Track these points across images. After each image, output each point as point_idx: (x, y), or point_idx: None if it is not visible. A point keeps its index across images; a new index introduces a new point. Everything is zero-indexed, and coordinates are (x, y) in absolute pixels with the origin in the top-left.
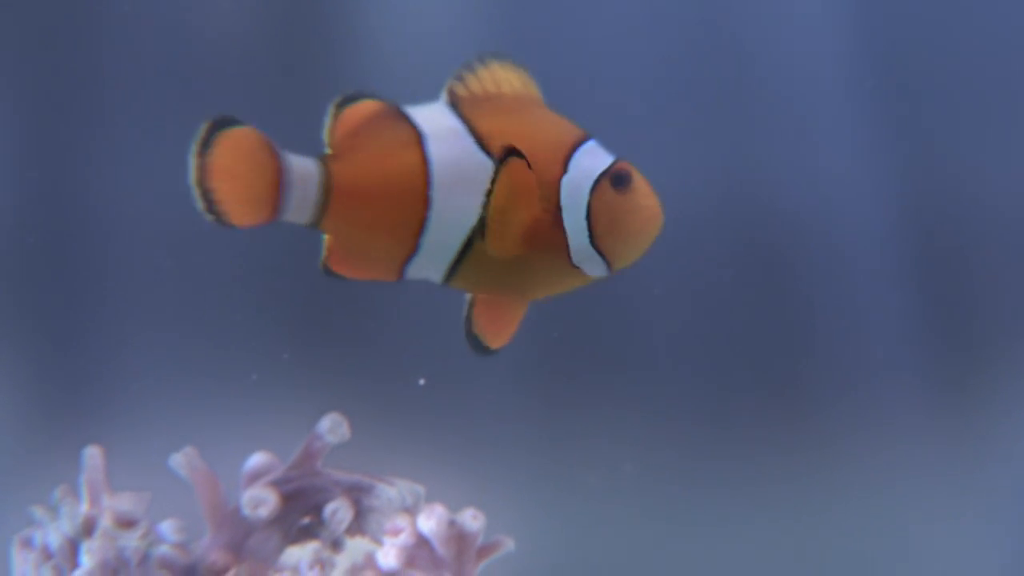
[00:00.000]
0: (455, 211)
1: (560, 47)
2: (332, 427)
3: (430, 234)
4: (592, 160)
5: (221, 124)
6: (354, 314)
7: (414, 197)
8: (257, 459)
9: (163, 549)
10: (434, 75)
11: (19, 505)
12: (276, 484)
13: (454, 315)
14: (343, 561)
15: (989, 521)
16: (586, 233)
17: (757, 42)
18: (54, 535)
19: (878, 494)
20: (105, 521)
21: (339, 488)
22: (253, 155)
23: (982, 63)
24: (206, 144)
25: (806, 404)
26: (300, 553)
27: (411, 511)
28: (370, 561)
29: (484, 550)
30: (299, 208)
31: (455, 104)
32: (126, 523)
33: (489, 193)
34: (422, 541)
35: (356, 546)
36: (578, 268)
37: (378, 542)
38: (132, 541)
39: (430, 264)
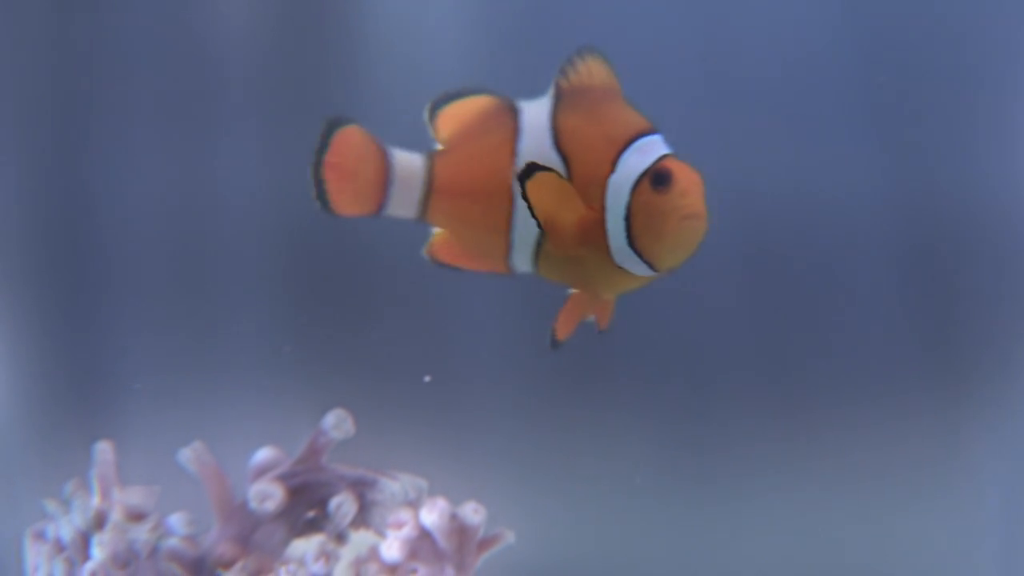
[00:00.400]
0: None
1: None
2: (337, 423)
3: (516, 230)
4: (639, 158)
5: (336, 123)
6: (358, 311)
7: (501, 195)
8: (264, 454)
9: (172, 542)
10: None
11: (32, 498)
12: (282, 478)
13: (455, 313)
14: (347, 553)
15: (977, 513)
16: (624, 233)
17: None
18: (67, 528)
19: (871, 488)
20: (116, 514)
21: (343, 482)
22: (361, 151)
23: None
24: (324, 141)
25: (803, 401)
26: (306, 546)
27: (414, 505)
28: (374, 553)
29: (485, 543)
30: (402, 203)
31: (557, 97)
32: (136, 516)
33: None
34: (424, 534)
35: (360, 539)
36: (622, 268)
37: (382, 535)
38: (142, 534)
39: (521, 258)
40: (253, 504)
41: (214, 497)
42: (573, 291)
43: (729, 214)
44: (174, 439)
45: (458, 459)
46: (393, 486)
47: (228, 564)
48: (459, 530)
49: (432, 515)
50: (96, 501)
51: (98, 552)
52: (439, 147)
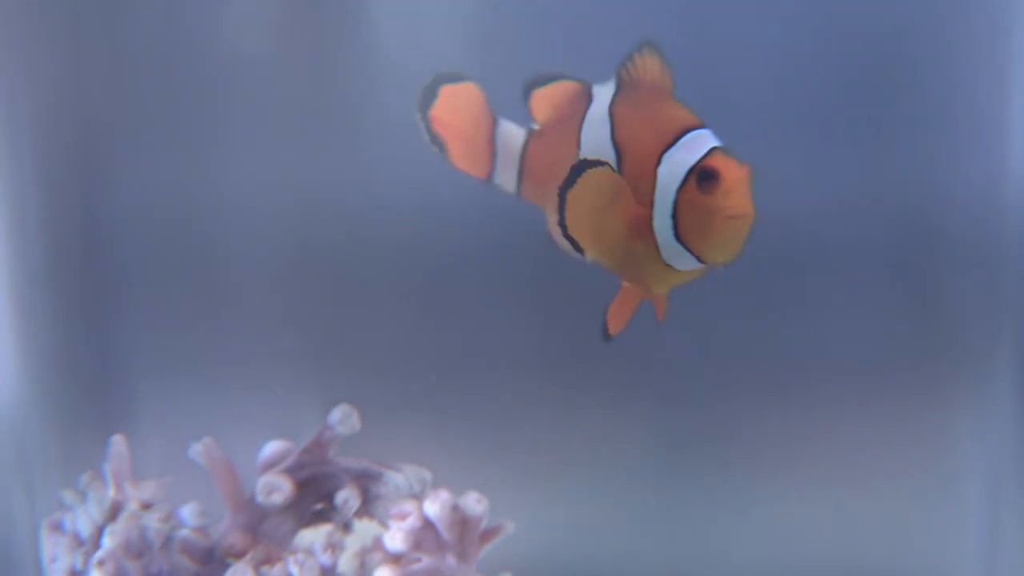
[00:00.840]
0: None
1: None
2: (342, 418)
3: None
4: (686, 154)
5: (447, 78)
6: (362, 308)
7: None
8: (272, 447)
9: (184, 532)
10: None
11: (49, 490)
12: (290, 471)
13: (455, 312)
14: (353, 543)
15: (962, 505)
16: (671, 229)
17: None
18: (83, 519)
19: (863, 482)
20: (130, 506)
21: (349, 476)
22: (471, 111)
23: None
24: (430, 93)
25: (795, 399)
26: (313, 536)
27: (418, 497)
28: (379, 544)
29: (488, 534)
30: (503, 175)
31: (617, 88)
32: (148, 507)
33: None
34: (427, 525)
35: (365, 528)
36: (668, 262)
37: (385, 526)
38: (153, 523)
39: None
40: (260, 496)
41: (224, 489)
42: (625, 284)
43: None
44: (186, 433)
45: (459, 453)
46: (397, 479)
47: (239, 554)
48: (461, 521)
49: (434, 506)
50: (111, 493)
51: (108, 541)
52: (536, 127)
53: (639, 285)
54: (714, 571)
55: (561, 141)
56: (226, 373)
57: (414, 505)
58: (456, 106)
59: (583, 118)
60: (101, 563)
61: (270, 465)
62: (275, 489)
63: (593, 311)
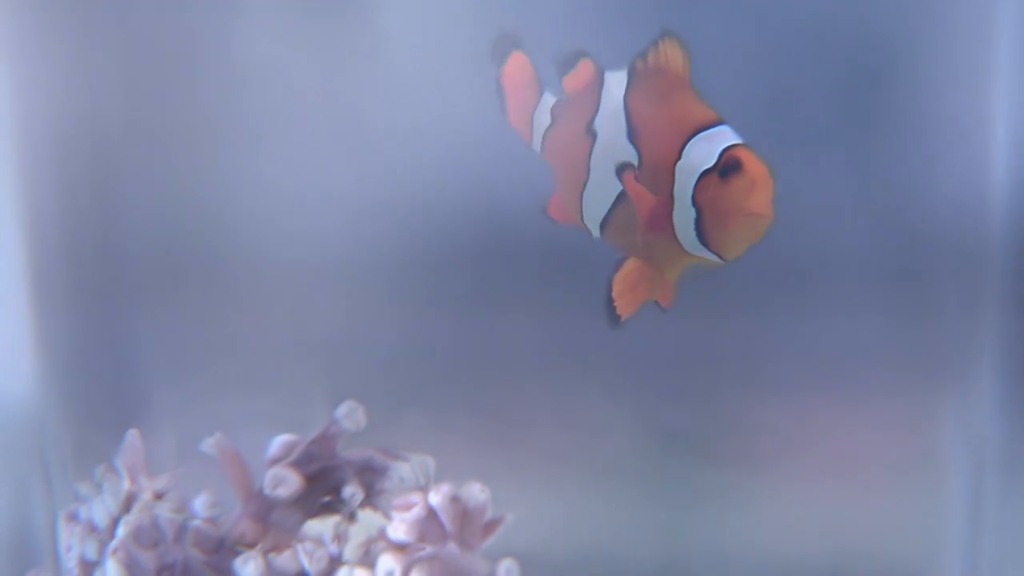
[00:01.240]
0: (603, 183)
1: None
2: (348, 413)
3: (587, 199)
4: (705, 148)
5: (510, 42)
6: (367, 305)
7: (579, 165)
8: (281, 441)
9: (196, 523)
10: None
11: (65, 482)
12: (298, 465)
13: (456, 310)
14: (359, 533)
15: (946, 496)
16: (693, 224)
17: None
18: (99, 511)
19: (850, 476)
20: (145, 496)
21: (353, 469)
22: (523, 77)
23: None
24: (501, 52)
25: (784, 394)
26: (321, 526)
27: (423, 489)
28: (383, 534)
29: (491, 524)
30: (536, 144)
31: (631, 77)
32: (161, 498)
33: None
34: (431, 514)
35: (371, 519)
36: (690, 254)
37: (389, 518)
38: (164, 511)
39: (591, 222)
40: (268, 489)
41: (235, 482)
42: (630, 266)
43: None
44: (198, 427)
45: (461, 447)
46: (403, 470)
47: (249, 543)
48: (463, 511)
49: (437, 496)
50: (126, 484)
51: (122, 531)
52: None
53: (649, 266)
54: (705, 559)
55: (572, 122)
56: (237, 370)
57: (419, 496)
58: (519, 68)
59: (597, 104)
60: (115, 552)
61: (278, 458)
62: (282, 482)
63: (592, 310)
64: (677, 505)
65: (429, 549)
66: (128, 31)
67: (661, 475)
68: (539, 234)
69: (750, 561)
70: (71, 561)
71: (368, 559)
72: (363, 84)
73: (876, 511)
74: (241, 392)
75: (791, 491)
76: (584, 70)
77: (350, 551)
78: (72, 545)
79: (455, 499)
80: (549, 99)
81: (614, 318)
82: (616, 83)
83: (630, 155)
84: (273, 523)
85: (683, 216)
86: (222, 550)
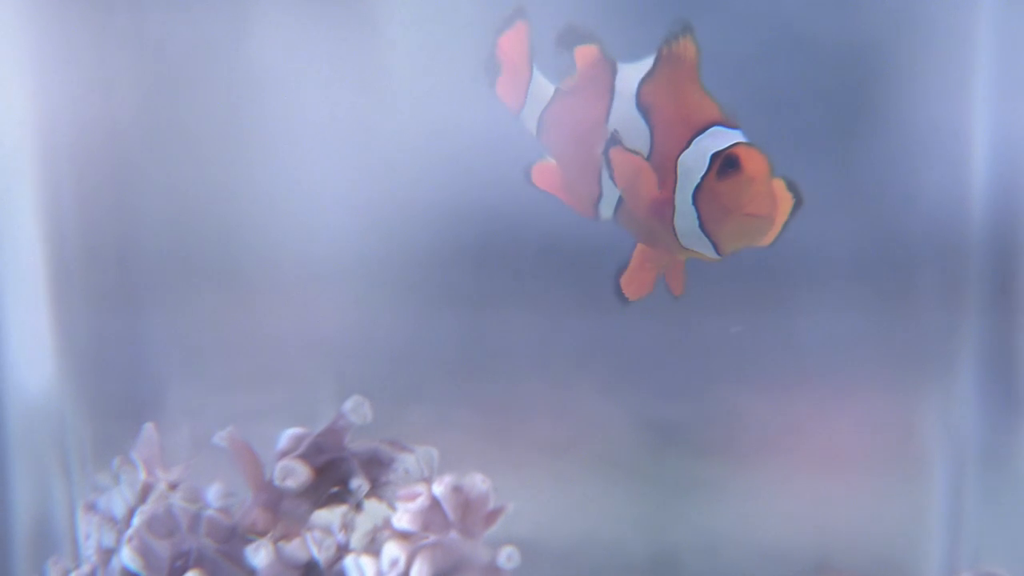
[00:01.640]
0: None
1: None
2: (354, 407)
3: (604, 181)
4: (710, 143)
5: (519, 14)
6: (373, 305)
7: (595, 151)
8: (290, 434)
9: (209, 513)
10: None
11: (84, 473)
12: (306, 457)
13: (458, 309)
14: (365, 522)
15: (928, 488)
16: (694, 216)
17: None
18: (117, 501)
19: (834, 467)
20: (160, 487)
21: (360, 461)
22: (519, 46)
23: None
24: (507, 21)
25: (773, 389)
26: (329, 515)
27: (427, 480)
28: (388, 523)
29: (492, 514)
30: (529, 120)
31: (655, 65)
32: (175, 488)
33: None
34: (434, 504)
35: (376, 508)
36: (688, 246)
37: (393, 507)
38: (179, 501)
39: (607, 206)
40: (277, 480)
41: (246, 473)
42: (639, 251)
43: None
44: (212, 421)
45: (464, 439)
46: (408, 461)
47: (260, 531)
48: (465, 501)
49: (440, 486)
50: (142, 476)
51: (137, 519)
52: (565, 85)
53: (659, 250)
54: (696, 546)
55: (581, 105)
56: (248, 366)
57: (422, 487)
58: (518, 39)
59: (612, 92)
60: (131, 540)
61: (288, 451)
62: (291, 473)
63: (589, 309)
64: (669, 495)
65: (432, 537)
66: (144, 40)
67: (654, 466)
68: (539, 235)
69: (739, 548)
70: (89, 549)
71: (374, 547)
72: (369, 91)
73: (860, 502)
74: (252, 387)
75: (779, 482)
76: (591, 55)
77: (357, 539)
78: (90, 533)
79: (457, 489)
80: (542, 78)
81: (623, 298)
82: (633, 71)
83: (643, 143)
84: (283, 512)
85: (684, 209)
86: (234, 538)
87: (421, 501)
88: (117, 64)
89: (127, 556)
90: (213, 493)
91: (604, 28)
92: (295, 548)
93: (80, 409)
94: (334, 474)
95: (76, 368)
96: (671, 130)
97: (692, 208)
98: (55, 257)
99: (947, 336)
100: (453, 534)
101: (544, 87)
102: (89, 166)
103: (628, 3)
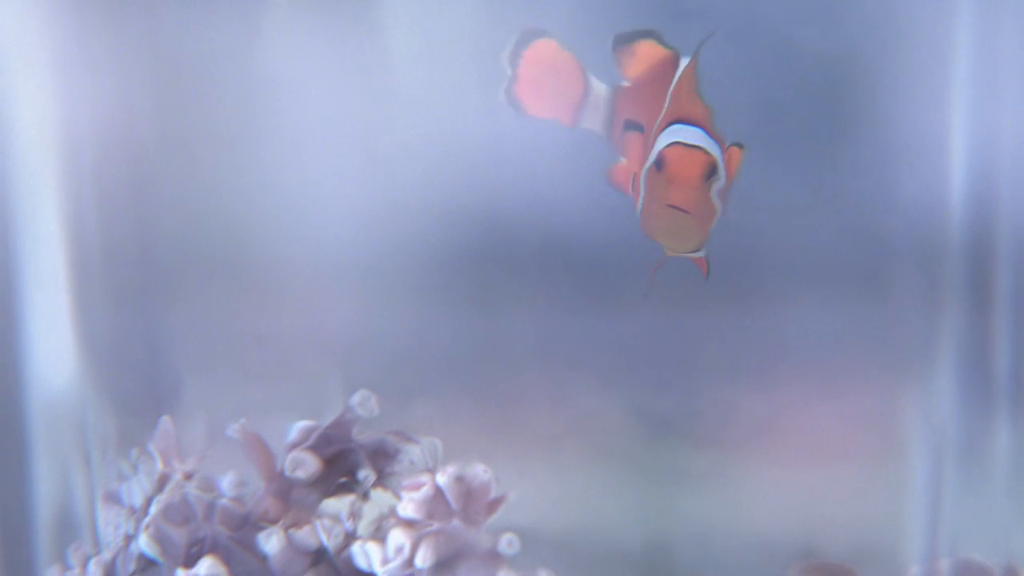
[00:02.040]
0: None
1: None
2: (362, 401)
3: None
4: (664, 140)
5: (530, 35)
6: (380, 301)
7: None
8: (300, 426)
9: (223, 502)
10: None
11: (103, 463)
12: (315, 448)
13: (458, 307)
14: (372, 511)
15: (908, 480)
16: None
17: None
18: (136, 491)
19: (819, 458)
20: (176, 477)
21: (366, 452)
22: (555, 64)
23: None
24: (516, 52)
25: (762, 383)
26: (338, 504)
27: (431, 470)
28: (394, 512)
29: (494, 502)
30: (592, 123)
31: (694, 59)
32: (190, 477)
33: None
34: (437, 493)
35: (383, 497)
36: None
37: (399, 497)
38: (194, 491)
39: None
40: (288, 470)
41: (258, 464)
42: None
43: None
44: (225, 414)
45: (466, 430)
46: (413, 452)
47: (272, 520)
48: (467, 490)
49: (443, 476)
50: (159, 466)
51: (154, 508)
52: (625, 83)
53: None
54: (689, 534)
55: (646, 101)
56: (261, 362)
57: (427, 477)
58: (551, 55)
59: (669, 89)
60: (148, 528)
61: (297, 443)
62: (301, 464)
63: (587, 307)
64: (664, 484)
65: (436, 525)
66: (160, 46)
67: (648, 457)
68: (538, 235)
69: (730, 536)
70: (108, 536)
71: (380, 534)
72: (373, 97)
73: (846, 492)
74: (264, 382)
75: (767, 473)
76: (651, 48)
77: (364, 527)
78: (109, 521)
79: (460, 479)
80: (596, 80)
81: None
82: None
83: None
84: (293, 501)
85: (639, 206)
86: (247, 526)
87: (425, 490)
88: (135, 69)
89: (145, 543)
90: (227, 483)
91: (593, 41)
92: (305, 535)
93: (100, 403)
94: (342, 465)
95: (96, 363)
96: (650, 125)
97: (641, 204)
98: (76, 257)
99: (927, 334)
100: (456, 522)
101: (601, 91)
102: (108, 169)
103: (612, 15)
